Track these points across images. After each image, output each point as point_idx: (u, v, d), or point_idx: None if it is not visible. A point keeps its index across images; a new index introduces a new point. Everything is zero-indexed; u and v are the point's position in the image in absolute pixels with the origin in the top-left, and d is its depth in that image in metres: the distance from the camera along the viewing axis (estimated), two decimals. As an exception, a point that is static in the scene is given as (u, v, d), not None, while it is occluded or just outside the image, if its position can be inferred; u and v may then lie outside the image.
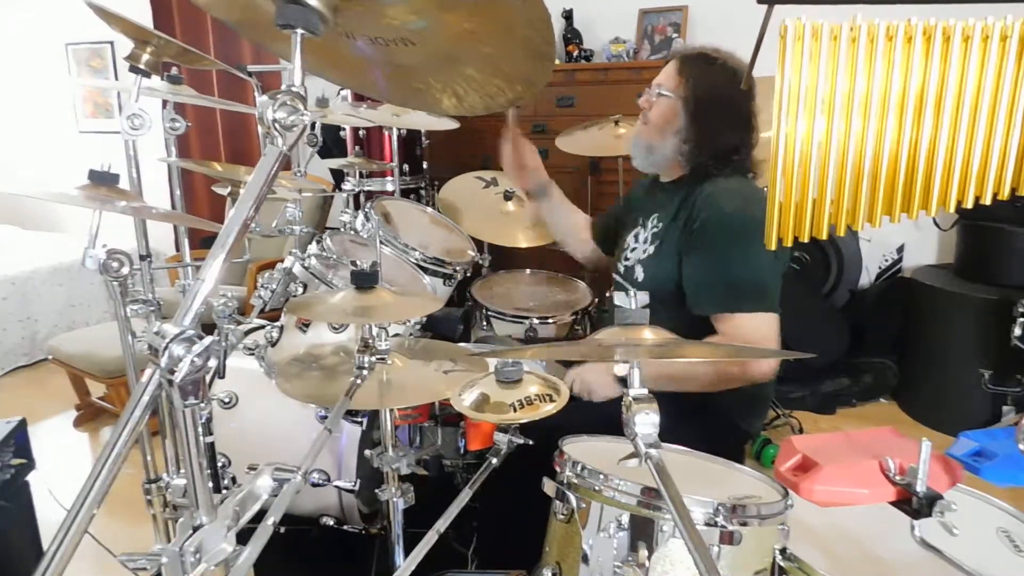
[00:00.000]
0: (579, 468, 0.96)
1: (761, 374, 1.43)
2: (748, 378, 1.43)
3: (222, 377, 0.64)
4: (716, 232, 1.44)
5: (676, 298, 1.49)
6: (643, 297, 0.89)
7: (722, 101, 1.51)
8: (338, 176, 3.22)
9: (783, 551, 0.92)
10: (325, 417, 1.51)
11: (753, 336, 1.39)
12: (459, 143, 3.05)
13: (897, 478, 0.89)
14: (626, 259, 1.67)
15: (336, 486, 1.49)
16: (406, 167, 3.08)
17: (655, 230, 1.59)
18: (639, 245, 1.63)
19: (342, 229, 1.99)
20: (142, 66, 1.40)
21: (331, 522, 1.57)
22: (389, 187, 2.95)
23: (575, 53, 3.33)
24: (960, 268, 2.93)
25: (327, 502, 1.56)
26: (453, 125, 2.51)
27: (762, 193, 1.53)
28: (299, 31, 0.69)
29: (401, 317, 1.42)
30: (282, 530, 1.38)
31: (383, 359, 1.17)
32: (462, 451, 1.57)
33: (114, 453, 0.59)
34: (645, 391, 0.80)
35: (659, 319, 0.89)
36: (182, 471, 0.65)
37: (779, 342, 1.42)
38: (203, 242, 2.80)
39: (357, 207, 2.38)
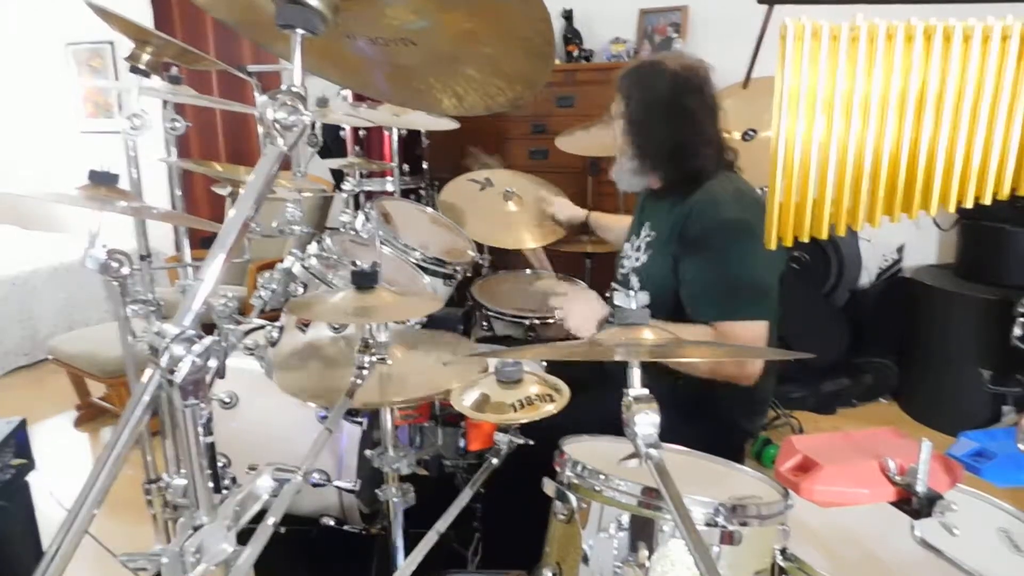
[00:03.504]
0: (579, 468, 0.96)
1: (747, 375, 1.41)
2: (735, 376, 1.42)
3: (222, 377, 0.64)
4: (715, 239, 1.42)
5: (672, 306, 1.48)
6: (643, 297, 0.89)
7: (655, 104, 1.51)
8: (338, 176, 3.21)
9: (783, 551, 0.92)
10: (325, 417, 1.51)
11: (746, 342, 1.38)
12: (459, 143, 3.04)
13: (897, 478, 0.89)
14: (622, 267, 1.68)
15: (336, 486, 1.48)
16: (406, 167, 3.07)
17: (648, 239, 1.59)
18: (633, 253, 1.64)
19: (342, 229, 1.99)
20: (142, 66, 1.41)
21: (331, 522, 1.57)
22: (389, 187, 2.94)
23: (575, 53, 3.33)
24: (960, 268, 2.93)
25: (327, 502, 1.56)
26: (453, 125, 2.50)
27: (756, 193, 1.52)
28: (299, 31, 0.69)
29: (401, 317, 1.42)
30: (282, 530, 1.38)
31: (383, 359, 1.17)
32: (462, 451, 1.57)
33: (114, 453, 0.59)
34: (646, 391, 0.80)
35: None
36: (182, 471, 0.65)
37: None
38: (203, 242, 2.80)
39: (357, 207, 2.38)
